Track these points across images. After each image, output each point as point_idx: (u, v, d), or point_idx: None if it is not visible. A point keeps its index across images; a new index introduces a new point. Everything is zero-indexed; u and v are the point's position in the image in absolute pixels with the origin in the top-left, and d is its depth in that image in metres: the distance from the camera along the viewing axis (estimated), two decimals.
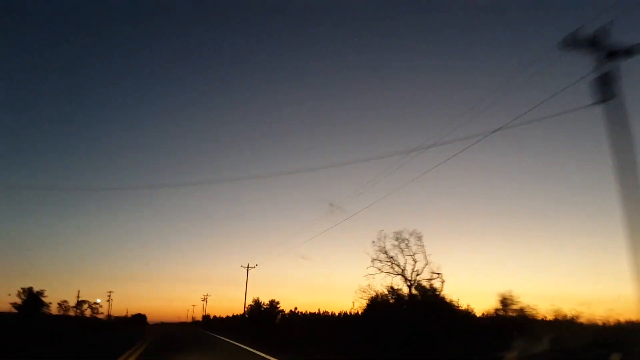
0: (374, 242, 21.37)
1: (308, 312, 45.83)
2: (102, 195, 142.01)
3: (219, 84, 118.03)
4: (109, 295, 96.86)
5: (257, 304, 45.11)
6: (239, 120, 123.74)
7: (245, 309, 46.14)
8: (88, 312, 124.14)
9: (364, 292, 20.32)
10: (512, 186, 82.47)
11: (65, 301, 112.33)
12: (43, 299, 56.90)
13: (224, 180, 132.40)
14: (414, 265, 20.42)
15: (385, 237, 21.28)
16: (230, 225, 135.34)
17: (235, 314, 77.64)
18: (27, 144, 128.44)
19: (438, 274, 17.94)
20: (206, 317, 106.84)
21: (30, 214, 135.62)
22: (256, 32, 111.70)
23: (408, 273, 20.38)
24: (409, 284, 20.07)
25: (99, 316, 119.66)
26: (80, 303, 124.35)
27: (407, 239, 20.85)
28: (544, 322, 15.55)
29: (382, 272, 20.95)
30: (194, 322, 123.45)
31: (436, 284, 17.99)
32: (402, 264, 20.65)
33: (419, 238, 20.74)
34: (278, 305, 40.88)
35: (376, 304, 17.67)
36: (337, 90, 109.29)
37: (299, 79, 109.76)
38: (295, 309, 43.37)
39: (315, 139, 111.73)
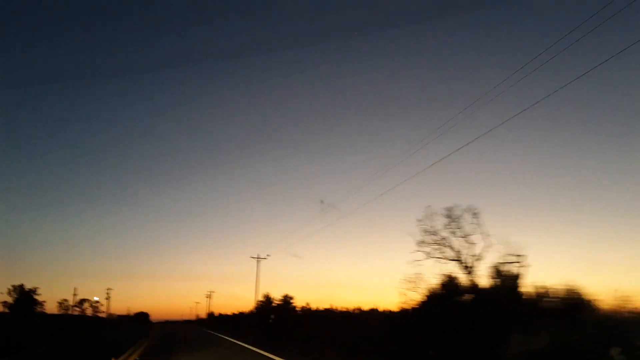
0: (419, 220, 17.45)
1: (321, 308, 42.01)
2: (100, 190, 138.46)
3: (221, 83, 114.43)
4: (108, 293, 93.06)
5: (267, 299, 41.20)
6: (243, 111, 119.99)
7: (256, 305, 42.07)
8: (89, 311, 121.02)
9: (411, 282, 16.38)
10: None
11: (65, 300, 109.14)
12: (37, 297, 53.19)
13: (229, 173, 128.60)
14: (471, 248, 16.51)
15: (433, 214, 17.35)
16: (236, 217, 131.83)
17: (241, 312, 74.02)
18: (25, 140, 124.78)
19: (518, 256, 13.91)
20: (211, 315, 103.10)
21: (27, 210, 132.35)
22: (250, 25, 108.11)
23: (465, 258, 16.44)
24: (467, 271, 16.13)
25: (101, 315, 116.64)
26: (81, 302, 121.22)
27: (460, 217, 16.92)
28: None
29: (430, 257, 17.05)
30: (197, 321, 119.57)
31: (514, 269, 14.00)
32: (456, 246, 16.73)
33: (476, 215, 16.77)
34: (292, 301, 36.97)
35: (438, 296, 13.72)
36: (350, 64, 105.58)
37: (308, 69, 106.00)
38: (307, 304, 39.54)
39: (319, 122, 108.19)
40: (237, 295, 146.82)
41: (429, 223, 17.08)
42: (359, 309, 49.18)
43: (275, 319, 42.48)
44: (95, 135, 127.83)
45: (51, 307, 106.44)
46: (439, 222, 17.05)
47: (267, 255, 43.86)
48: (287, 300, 37.09)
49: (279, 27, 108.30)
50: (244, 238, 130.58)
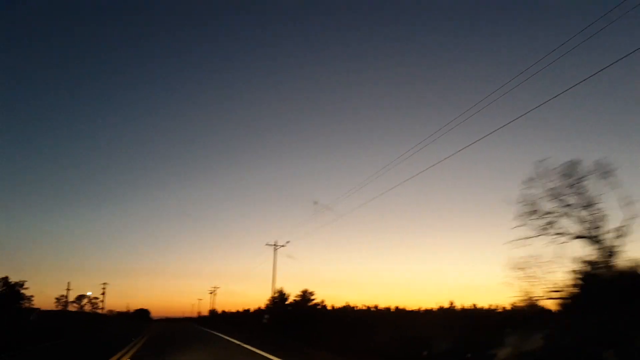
0: (527, 182, 12.28)
1: (337, 306, 37.14)
2: (101, 186, 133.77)
3: (227, 79, 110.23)
4: (103, 288, 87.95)
5: (281, 295, 35.99)
6: (242, 108, 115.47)
7: (269, 301, 36.78)
8: (88, 307, 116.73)
9: (521, 269, 11.22)
10: None
11: (63, 296, 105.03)
12: (24, 291, 48.17)
13: (235, 167, 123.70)
14: (605, 221, 11.35)
15: (546, 174, 12.17)
16: (243, 211, 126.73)
17: (247, 309, 68.96)
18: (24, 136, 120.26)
19: None
20: (213, 312, 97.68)
21: (27, 206, 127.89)
22: (248, 29, 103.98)
23: (599, 234, 11.26)
24: (605, 252, 10.96)
25: (101, 311, 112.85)
26: (80, 298, 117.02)
27: (586, 177, 11.76)
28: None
29: (544, 233, 11.91)
30: (198, 319, 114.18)
31: None
32: (583, 219, 11.55)
33: (608, 174, 11.61)
34: (312, 298, 31.69)
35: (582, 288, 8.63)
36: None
37: (330, 69, 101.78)
38: (321, 302, 34.32)
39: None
40: (244, 292, 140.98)
41: (542, 186, 11.95)
42: (376, 307, 44.22)
43: (270, 318, 38.02)
44: (97, 131, 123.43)
45: (49, 303, 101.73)
46: (555, 185, 11.94)
47: (287, 241, 37.38)
48: (306, 296, 31.77)
49: (277, 29, 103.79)
50: (252, 233, 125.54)
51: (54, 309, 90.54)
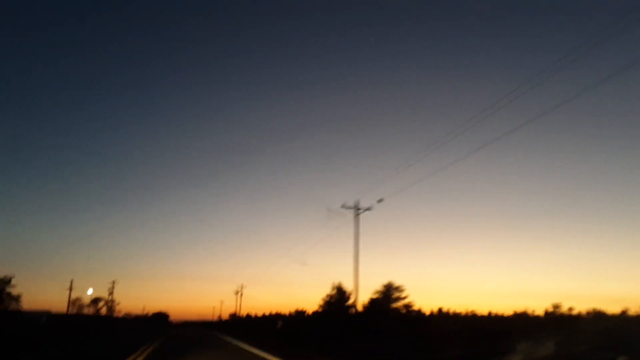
0: None
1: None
2: (122, 188, 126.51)
3: (243, 79, 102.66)
4: (111, 287, 78.34)
5: (340, 293, 25.66)
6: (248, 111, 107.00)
7: (325, 301, 26.14)
8: (104, 311, 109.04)
9: None
10: None
11: (78, 299, 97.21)
12: (11, 289, 38.93)
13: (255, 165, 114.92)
14: None
15: None
16: (272, 208, 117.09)
17: (278, 312, 59.13)
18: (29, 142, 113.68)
19: None
20: (234, 316, 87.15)
21: (42, 206, 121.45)
22: (259, 30, 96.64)
23: None
24: None
25: (118, 314, 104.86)
26: (96, 300, 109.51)
27: None
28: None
29: None
30: (217, 323, 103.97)
31: None
32: None
33: None
34: (402, 296, 20.95)
35: None
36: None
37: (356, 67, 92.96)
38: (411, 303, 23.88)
39: None
40: (274, 295, 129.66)
41: None
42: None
43: (283, 325, 30.58)
44: (116, 129, 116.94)
45: (62, 307, 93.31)
46: None
47: (380, 199, 23.37)
48: (390, 293, 20.96)
49: (284, 38, 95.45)
50: (277, 236, 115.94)
51: (68, 312, 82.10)
